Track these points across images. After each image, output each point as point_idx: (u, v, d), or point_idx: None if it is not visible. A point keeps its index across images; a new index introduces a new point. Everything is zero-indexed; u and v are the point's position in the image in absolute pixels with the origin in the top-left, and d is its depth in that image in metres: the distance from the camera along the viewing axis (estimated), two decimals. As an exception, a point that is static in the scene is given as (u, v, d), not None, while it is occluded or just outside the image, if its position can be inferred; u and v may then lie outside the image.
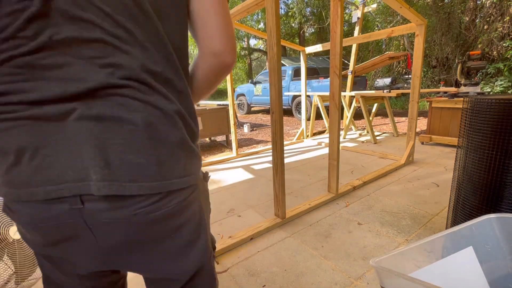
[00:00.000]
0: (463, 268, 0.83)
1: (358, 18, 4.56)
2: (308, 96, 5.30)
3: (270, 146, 2.62)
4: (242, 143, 4.78)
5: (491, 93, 5.90)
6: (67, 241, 0.48)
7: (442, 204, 1.88)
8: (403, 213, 1.78)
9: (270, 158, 3.26)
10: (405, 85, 7.37)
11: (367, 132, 4.36)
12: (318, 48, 3.75)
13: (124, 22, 0.42)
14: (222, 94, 21.73)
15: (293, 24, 14.03)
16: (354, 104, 4.09)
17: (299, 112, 7.12)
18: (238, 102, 9.83)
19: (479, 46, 7.23)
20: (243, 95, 9.57)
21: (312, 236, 1.58)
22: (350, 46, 4.57)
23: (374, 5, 5.22)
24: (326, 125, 4.71)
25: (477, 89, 3.05)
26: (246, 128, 6.10)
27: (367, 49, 10.70)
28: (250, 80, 9.32)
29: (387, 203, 1.93)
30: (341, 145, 3.67)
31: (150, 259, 0.53)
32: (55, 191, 0.42)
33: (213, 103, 6.56)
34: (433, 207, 1.84)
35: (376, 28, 9.48)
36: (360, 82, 6.71)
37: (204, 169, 3.08)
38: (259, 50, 17.50)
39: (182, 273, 0.57)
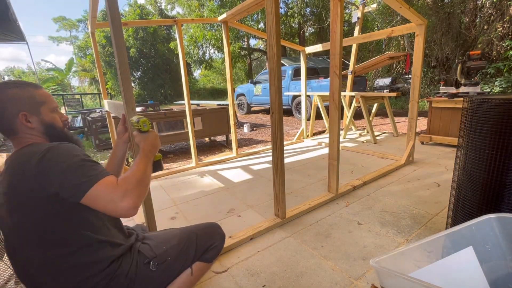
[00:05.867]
0: (463, 268, 0.83)
1: (358, 18, 4.55)
2: (308, 96, 5.30)
3: (270, 146, 2.62)
4: (242, 143, 4.78)
5: (491, 93, 5.90)
6: None
7: (442, 204, 1.88)
8: (403, 213, 1.78)
9: (270, 158, 3.25)
10: (405, 85, 7.37)
11: (367, 132, 4.35)
12: (318, 48, 3.75)
13: None
14: (222, 94, 21.71)
15: (293, 24, 14.01)
16: (354, 104, 4.09)
17: (299, 112, 7.12)
18: (238, 102, 9.83)
19: (479, 46, 7.23)
20: (243, 95, 9.57)
21: (312, 236, 1.57)
22: (350, 46, 4.57)
23: (374, 5, 5.21)
24: (326, 125, 4.70)
25: (477, 89, 3.05)
26: (246, 128, 6.10)
27: (367, 49, 10.69)
28: (250, 80, 9.32)
29: (387, 203, 1.93)
30: (341, 145, 3.67)
31: None
32: None
33: (213, 103, 6.56)
34: (433, 207, 1.84)
35: (376, 28, 9.47)
36: (360, 82, 6.71)
37: (204, 169, 3.06)
38: (259, 50, 17.49)
39: None
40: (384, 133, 4.58)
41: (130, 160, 3.76)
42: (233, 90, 4.95)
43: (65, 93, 12.29)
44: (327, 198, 2.01)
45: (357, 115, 6.90)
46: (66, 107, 7.65)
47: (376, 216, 1.76)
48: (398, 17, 7.97)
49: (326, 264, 1.32)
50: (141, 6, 17.98)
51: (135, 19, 15.97)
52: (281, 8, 12.98)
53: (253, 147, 4.43)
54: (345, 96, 4.28)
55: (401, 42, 9.04)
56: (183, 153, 4.31)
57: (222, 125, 4.36)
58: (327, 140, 4.01)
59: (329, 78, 2.11)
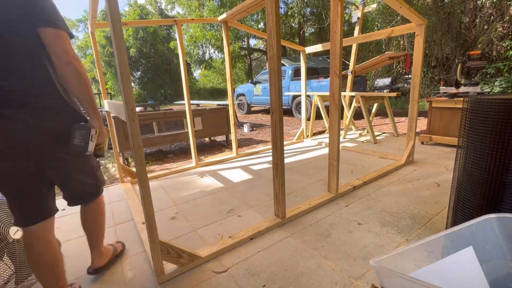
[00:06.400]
0: (463, 268, 0.83)
1: (358, 18, 4.56)
2: (308, 96, 5.30)
3: (270, 146, 2.62)
4: (242, 143, 4.78)
5: (491, 93, 5.90)
6: None
7: (442, 204, 1.88)
8: (403, 213, 1.78)
9: (270, 158, 3.25)
10: (405, 85, 7.37)
11: (367, 132, 4.35)
12: (318, 48, 3.75)
13: None
14: (222, 94, 21.73)
15: (293, 24, 14.02)
16: (354, 104, 4.10)
17: (299, 112, 7.12)
18: (238, 102, 9.84)
19: (479, 46, 7.23)
20: (243, 95, 9.57)
21: (312, 236, 1.58)
22: (350, 46, 4.57)
23: (374, 5, 5.21)
24: (326, 125, 4.70)
25: (477, 89, 3.05)
26: (246, 128, 6.10)
27: (367, 49, 10.69)
28: (250, 80, 9.32)
29: (387, 203, 1.93)
30: (341, 145, 3.67)
31: None
32: None
33: (213, 103, 6.56)
34: (433, 207, 1.84)
35: (376, 28, 9.47)
36: (360, 82, 6.71)
37: (204, 169, 3.06)
38: (259, 50, 17.50)
39: None
40: (384, 133, 4.58)
41: (130, 160, 3.76)
42: (233, 90, 4.95)
43: (65, 93, 12.29)
44: (327, 198, 2.01)
45: (357, 115, 6.90)
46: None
47: (376, 216, 1.76)
48: (398, 17, 7.97)
49: (326, 264, 1.32)
50: (141, 6, 17.98)
51: (135, 19, 15.96)
52: (281, 8, 12.99)
53: (253, 147, 4.43)
54: (345, 96, 4.28)
55: (401, 42, 9.04)
56: (183, 153, 4.31)
57: (222, 125, 4.36)
58: (327, 140, 4.01)
59: (329, 78, 2.11)
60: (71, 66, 0.94)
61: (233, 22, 2.97)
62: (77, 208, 2.16)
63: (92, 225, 1.26)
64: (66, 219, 1.98)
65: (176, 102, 14.12)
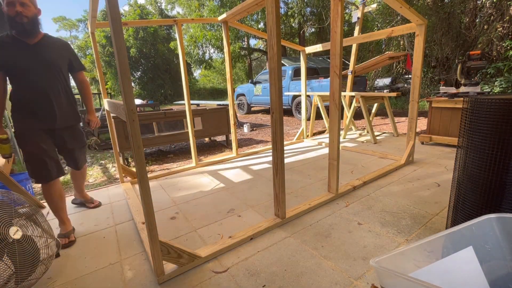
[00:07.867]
0: (463, 268, 0.83)
1: (358, 18, 4.56)
2: (308, 96, 5.30)
3: (270, 146, 2.62)
4: (242, 143, 4.78)
5: (491, 93, 5.90)
6: None
7: (442, 204, 1.88)
8: (403, 213, 1.78)
9: (270, 158, 3.25)
10: (405, 85, 7.38)
11: (367, 132, 4.35)
12: (318, 48, 3.75)
13: None
14: (222, 94, 21.74)
15: (293, 24, 14.02)
16: (354, 104, 4.09)
17: (299, 112, 7.12)
18: (238, 102, 9.84)
19: (479, 46, 7.23)
20: (243, 95, 9.57)
21: (312, 236, 1.58)
22: (350, 46, 4.57)
23: (374, 5, 5.22)
24: (326, 125, 4.70)
25: (477, 89, 3.05)
26: (246, 128, 6.10)
27: (367, 49, 10.69)
28: (250, 80, 9.33)
29: (387, 203, 1.93)
30: (341, 145, 3.67)
31: None
32: None
33: (213, 103, 6.57)
34: (433, 207, 1.84)
35: (376, 28, 9.47)
36: (360, 82, 6.72)
37: (204, 169, 3.06)
38: (259, 50, 17.51)
39: None
40: (384, 133, 4.58)
41: (130, 160, 3.76)
42: (233, 90, 4.95)
43: (65, 93, 12.30)
44: (327, 198, 2.01)
45: (357, 115, 6.90)
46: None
47: (376, 216, 1.76)
48: (398, 17, 7.97)
49: (326, 264, 1.32)
50: (141, 6, 17.99)
51: (135, 19, 15.96)
52: (281, 8, 12.99)
53: (253, 147, 4.43)
54: (345, 96, 4.28)
55: (401, 42, 9.04)
56: (183, 153, 4.31)
57: (222, 125, 4.36)
58: (327, 140, 4.01)
59: (329, 78, 2.11)
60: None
61: (233, 22, 2.97)
62: (77, 208, 2.16)
63: None
64: (66, 219, 1.98)
65: (176, 102, 14.13)
